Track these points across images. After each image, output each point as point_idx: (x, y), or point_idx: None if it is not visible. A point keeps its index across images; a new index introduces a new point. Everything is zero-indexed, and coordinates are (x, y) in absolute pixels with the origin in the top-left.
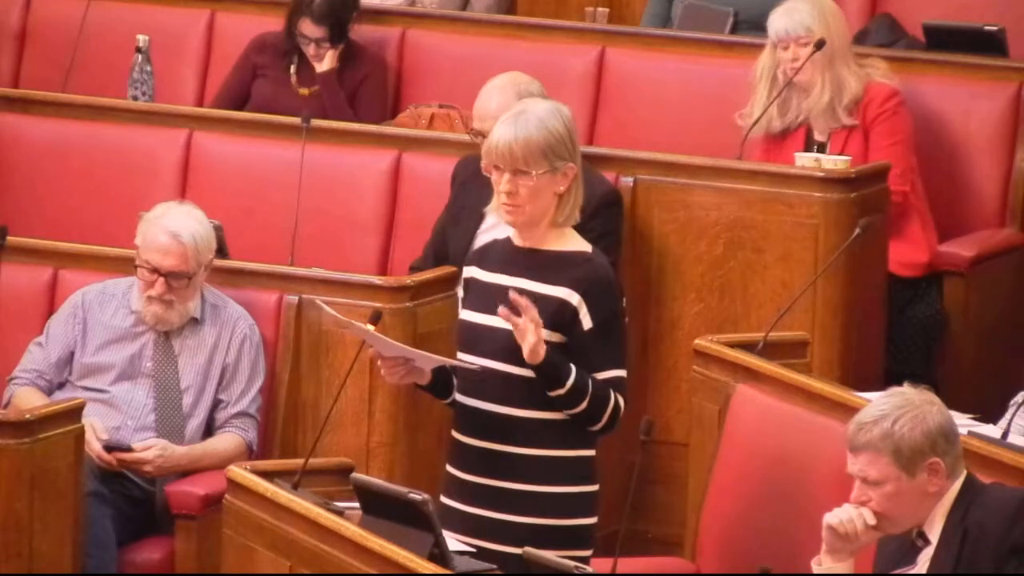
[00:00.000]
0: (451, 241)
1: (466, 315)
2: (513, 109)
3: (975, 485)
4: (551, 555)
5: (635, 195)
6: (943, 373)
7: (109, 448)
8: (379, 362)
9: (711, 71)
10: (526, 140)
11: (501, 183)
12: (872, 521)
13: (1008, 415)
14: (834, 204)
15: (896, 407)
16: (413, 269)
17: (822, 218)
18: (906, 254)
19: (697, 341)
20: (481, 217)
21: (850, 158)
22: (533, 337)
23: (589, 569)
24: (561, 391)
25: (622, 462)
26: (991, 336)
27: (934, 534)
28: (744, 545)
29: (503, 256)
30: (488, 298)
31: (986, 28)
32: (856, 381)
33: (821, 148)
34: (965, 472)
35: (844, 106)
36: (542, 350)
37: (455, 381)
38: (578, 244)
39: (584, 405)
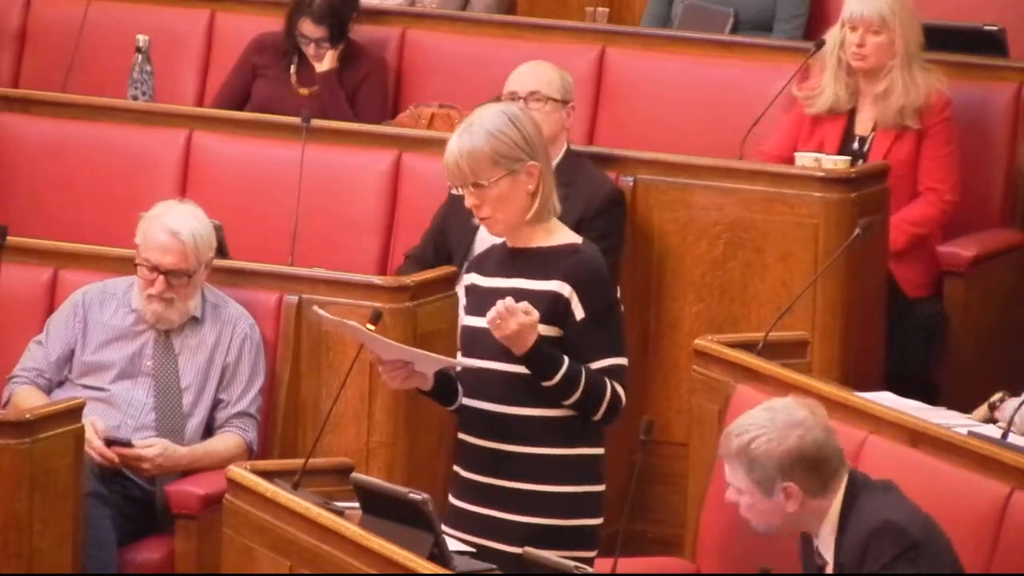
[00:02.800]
0: (452, 230)
1: (468, 320)
2: (463, 122)
3: (854, 497)
4: (551, 555)
5: (635, 195)
6: (943, 373)
7: (109, 443)
8: (379, 367)
9: (711, 71)
10: (471, 153)
11: (466, 199)
12: None
13: (1009, 415)
14: (834, 204)
15: (760, 425)
16: (408, 257)
17: (822, 218)
18: (922, 272)
19: (697, 341)
20: None
21: (849, 159)
22: (516, 324)
23: (589, 569)
24: (551, 381)
25: (622, 462)
26: (991, 336)
27: (828, 553)
28: (744, 545)
29: (499, 259)
30: (488, 302)
31: (986, 28)
32: (856, 381)
33: (863, 141)
34: (844, 483)
35: (914, 109)
36: (530, 339)
37: (459, 388)
38: (567, 237)
39: (578, 394)
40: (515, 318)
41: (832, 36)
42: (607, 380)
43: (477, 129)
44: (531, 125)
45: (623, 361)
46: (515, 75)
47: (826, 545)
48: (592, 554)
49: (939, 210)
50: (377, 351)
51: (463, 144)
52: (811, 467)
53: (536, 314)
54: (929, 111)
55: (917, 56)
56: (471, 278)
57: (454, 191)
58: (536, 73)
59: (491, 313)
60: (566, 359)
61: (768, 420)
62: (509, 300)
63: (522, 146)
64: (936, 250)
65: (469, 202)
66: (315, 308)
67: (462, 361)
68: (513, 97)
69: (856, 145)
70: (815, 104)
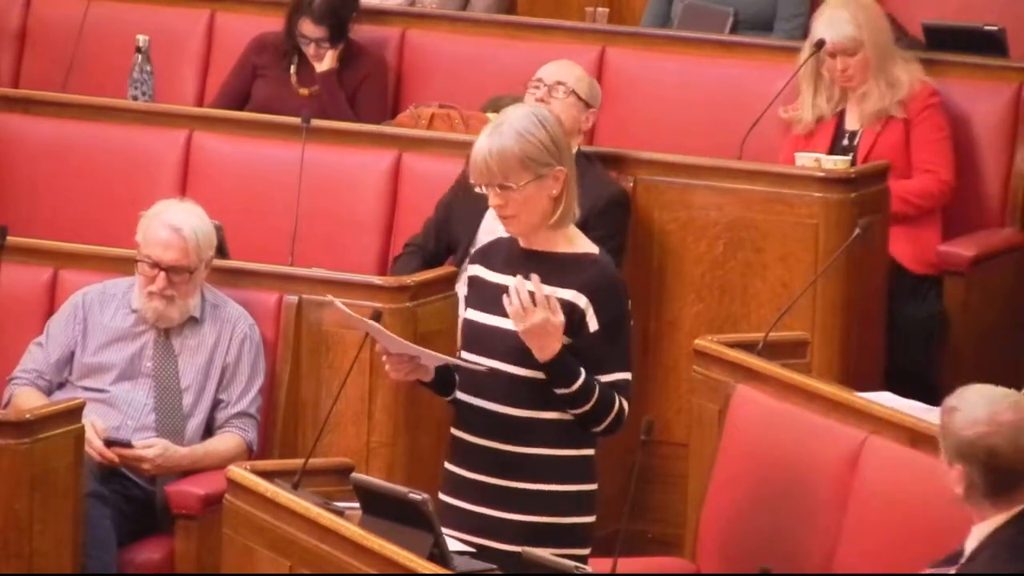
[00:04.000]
0: (456, 220)
1: (471, 314)
2: (492, 121)
3: (1010, 539)
4: (550, 555)
5: (635, 195)
6: (943, 373)
7: (109, 443)
8: (384, 358)
9: (711, 71)
10: (500, 153)
11: (490, 198)
12: None
13: None
14: (834, 204)
15: (972, 401)
16: (409, 245)
17: (822, 218)
18: (924, 250)
19: (697, 341)
20: None
21: (849, 158)
22: (539, 318)
23: (588, 569)
24: (569, 390)
25: (622, 462)
26: (991, 336)
27: (962, 559)
28: (744, 545)
29: (509, 257)
30: (493, 299)
31: (986, 28)
32: (856, 381)
33: (852, 136)
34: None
35: (898, 101)
36: (556, 345)
37: (456, 378)
38: (585, 246)
39: (589, 406)
40: (540, 311)
41: (806, 53)
42: (615, 394)
43: (507, 129)
44: (558, 128)
45: (629, 376)
46: (546, 66)
47: (968, 549)
48: (586, 552)
49: (937, 188)
50: (385, 344)
51: (493, 144)
52: (983, 468)
53: (562, 317)
54: (913, 100)
55: (891, 54)
56: (476, 270)
57: (478, 190)
58: (567, 69)
59: (513, 300)
60: (583, 370)
61: (982, 401)
62: (520, 279)
63: (551, 149)
64: (937, 231)
65: (493, 202)
66: (330, 296)
67: (464, 358)
68: (538, 84)
69: (846, 141)
70: (802, 122)
